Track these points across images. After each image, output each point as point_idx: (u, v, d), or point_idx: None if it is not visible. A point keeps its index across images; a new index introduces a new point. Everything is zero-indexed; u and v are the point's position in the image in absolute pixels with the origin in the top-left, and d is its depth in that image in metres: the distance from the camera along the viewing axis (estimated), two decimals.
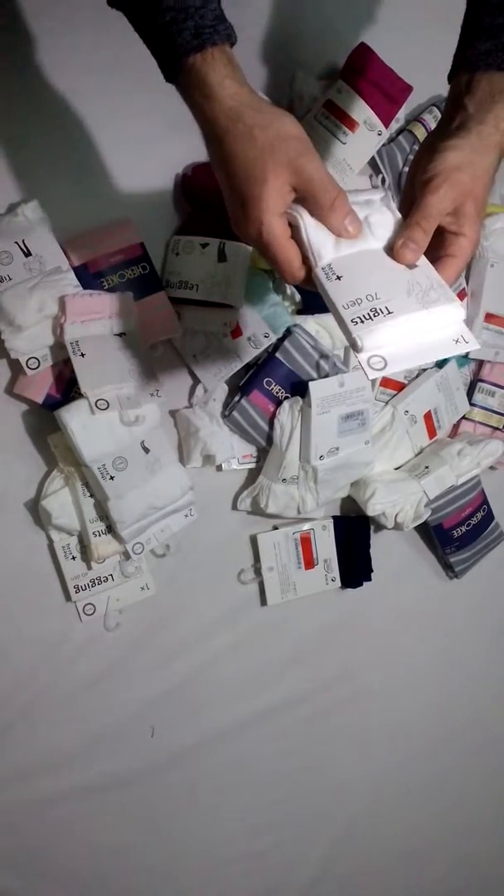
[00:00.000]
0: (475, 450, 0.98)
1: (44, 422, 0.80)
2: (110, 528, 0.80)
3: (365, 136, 0.90)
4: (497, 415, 1.06)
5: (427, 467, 0.96)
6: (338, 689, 1.02)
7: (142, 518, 0.80)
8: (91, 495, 0.79)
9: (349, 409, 0.86)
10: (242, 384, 0.88)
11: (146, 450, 0.79)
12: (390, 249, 0.54)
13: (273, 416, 0.86)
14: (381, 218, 0.55)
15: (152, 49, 0.53)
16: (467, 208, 0.55)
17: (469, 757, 1.15)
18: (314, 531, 0.94)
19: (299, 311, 0.89)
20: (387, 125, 0.90)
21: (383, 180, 0.95)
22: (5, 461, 0.81)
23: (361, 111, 0.88)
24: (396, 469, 0.99)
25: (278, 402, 0.87)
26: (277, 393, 0.87)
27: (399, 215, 0.56)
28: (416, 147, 0.95)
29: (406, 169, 0.96)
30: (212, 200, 0.76)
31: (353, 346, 0.50)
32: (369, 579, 0.99)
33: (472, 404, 1.04)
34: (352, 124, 0.88)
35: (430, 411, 0.98)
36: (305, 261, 0.54)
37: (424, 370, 0.99)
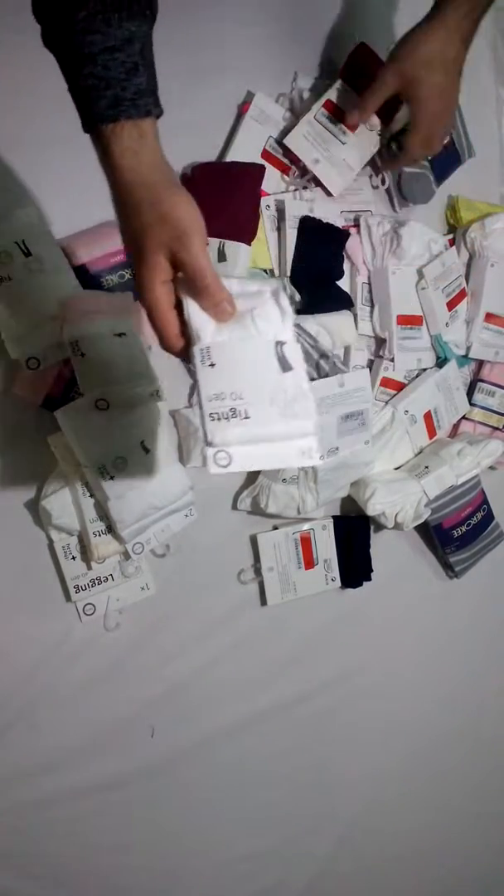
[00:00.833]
0: (475, 450, 0.98)
1: (44, 422, 0.80)
2: (110, 528, 0.80)
3: (365, 136, 0.90)
4: (497, 414, 1.06)
5: (427, 467, 0.96)
6: (338, 689, 1.02)
7: (142, 518, 0.80)
8: (91, 495, 0.79)
9: (349, 410, 0.86)
10: None
11: (146, 450, 0.79)
12: (270, 345, 0.54)
13: None
14: (267, 311, 0.54)
15: (73, 99, 0.54)
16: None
17: (469, 756, 1.15)
18: (314, 531, 0.94)
19: (299, 311, 0.89)
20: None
21: (383, 180, 0.95)
22: (5, 461, 0.81)
23: None
24: (396, 469, 0.99)
25: None
26: None
27: (289, 310, 0.55)
28: None
29: (406, 169, 0.96)
30: (212, 201, 0.76)
31: (205, 437, 0.52)
32: (369, 579, 0.99)
33: (471, 404, 1.04)
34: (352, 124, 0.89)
35: (429, 411, 0.98)
36: (185, 334, 0.54)
37: (425, 370, 0.99)
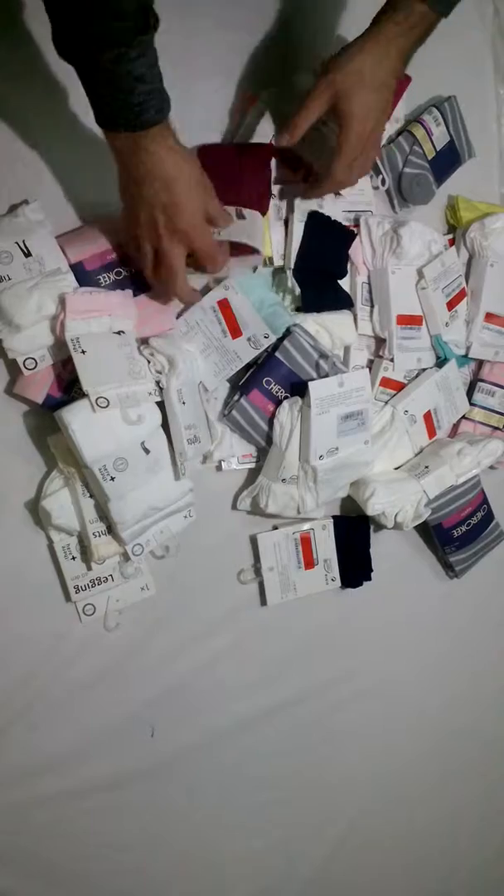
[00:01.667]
0: (475, 449, 0.98)
1: (44, 422, 0.80)
2: (110, 529, 0.80)
3: None
4: (497, 414, 1.06)
5: (427, 467, 0.96)
6: (338, 689, 1.02)
7: (142, 519, 0.80)
8: (91, 496, 0.79)
9: (349, 409, 0.86)
10: (242, 383, 0.88)
11: (146, 450, 0.79)
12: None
13: (272, 415, 0.86)
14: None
15: (110, 108, 0.63)
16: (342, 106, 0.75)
17: (469, 756, 1.15)
18: (314, 531, 0.94)
19: (299, 309, 0.89)
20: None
21: (383, 181, 0.95)
22: (5, 461, 0.81)
23: None
24: (396, 469, 0.99)
25: (278, 402, 0.87)
26: (277, 393, 0.86)
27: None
28: (416, 148, 0.95)
29: (406, 169, 0.96)
30: (224, 171, 0.78)
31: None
32: (369, 579, 0.99)
33: (472, 404, 1.04)
34: None
35: (429, 411, 0.98)
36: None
37: (424, 370, 0.99)
